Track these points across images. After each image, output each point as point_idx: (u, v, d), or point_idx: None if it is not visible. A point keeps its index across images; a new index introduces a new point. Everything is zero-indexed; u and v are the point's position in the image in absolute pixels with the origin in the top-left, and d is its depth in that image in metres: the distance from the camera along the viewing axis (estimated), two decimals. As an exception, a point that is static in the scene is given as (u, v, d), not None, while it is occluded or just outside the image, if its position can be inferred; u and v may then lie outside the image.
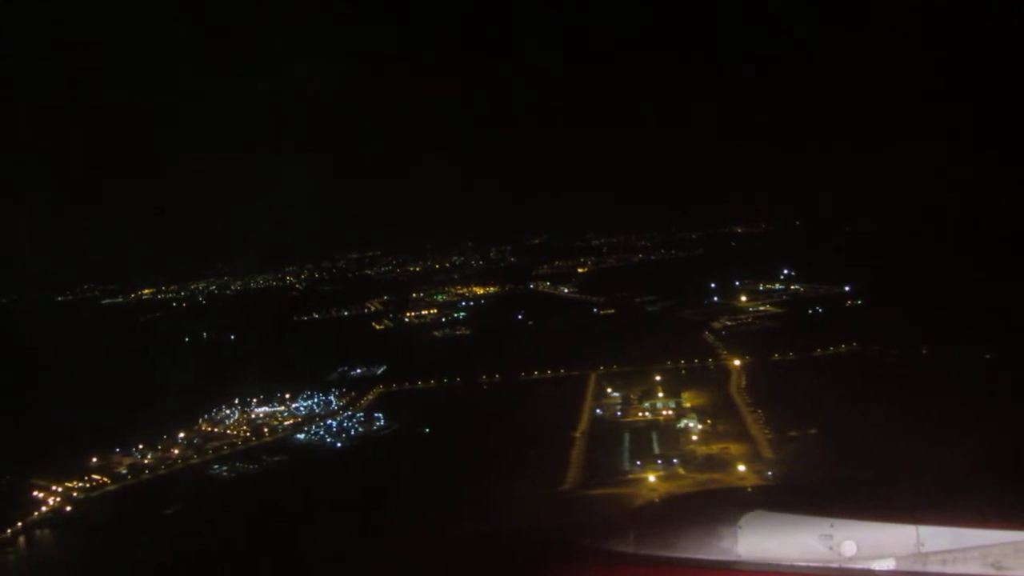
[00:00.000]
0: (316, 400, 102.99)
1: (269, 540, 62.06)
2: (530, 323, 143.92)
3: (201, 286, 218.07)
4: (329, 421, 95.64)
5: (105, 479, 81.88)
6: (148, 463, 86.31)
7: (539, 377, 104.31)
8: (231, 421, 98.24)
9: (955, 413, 63.32)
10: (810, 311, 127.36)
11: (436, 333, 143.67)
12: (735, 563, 9.10)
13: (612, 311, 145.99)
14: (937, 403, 67.22)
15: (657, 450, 74.65)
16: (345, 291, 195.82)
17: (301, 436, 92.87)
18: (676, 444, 75.50)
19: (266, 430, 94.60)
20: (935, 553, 8.69)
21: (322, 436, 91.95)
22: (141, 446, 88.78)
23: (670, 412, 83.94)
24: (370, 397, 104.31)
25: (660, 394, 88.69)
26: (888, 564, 8.83)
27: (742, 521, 9.30)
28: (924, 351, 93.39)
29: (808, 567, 8.98)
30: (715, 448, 73.21)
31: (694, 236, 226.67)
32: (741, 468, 66.87)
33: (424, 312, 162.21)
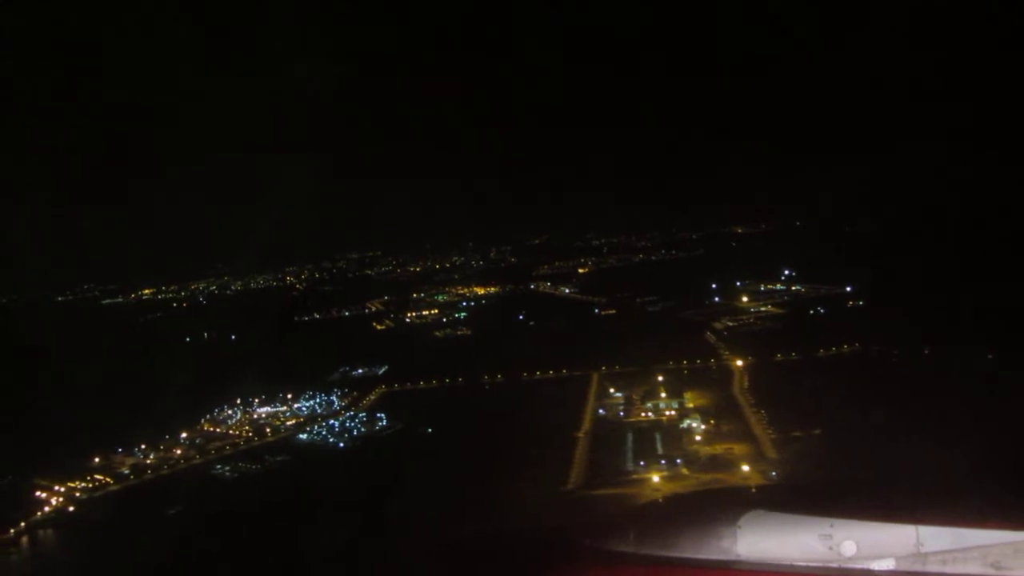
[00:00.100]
0: (318, 400, 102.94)
1: (273, 540, 61.97)
2: (531, 323, 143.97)
3: (201, 286, 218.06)
4: (331, 421, 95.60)
5: (108, 479, 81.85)
6: (150, 463, 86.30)
7: (541, 377, 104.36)
8: (233, 421, 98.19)
9: (957, 413, 63.34)
10: (811, 312, 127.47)
11: (437, 333, 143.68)
12: (735, 563, 9.10)
13: (613, 311, 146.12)
14: (939, 403, 67.24)
15: (661, 450, 74.65)
16: (345, 291, 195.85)
17: (303, 436, 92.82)
18: (679, 444, 75.48)
19: (268, 430, 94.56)
20: (935, 553, 8.68)
21: (325, 436, 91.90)
22: (143, 446, 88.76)
23: (673, 412, 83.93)
24: (372, 397, 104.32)
25: (663, 394, 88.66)
26: (888, 564, 8.83)
27: (742, 521, 9.30)
28: (926, 351, 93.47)
29: (808, 567, 8.98)
30: (719, 448, 73.19)
31: (694, 236, 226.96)
32: (745, 468, 66.83)
33: (425, 312, 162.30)
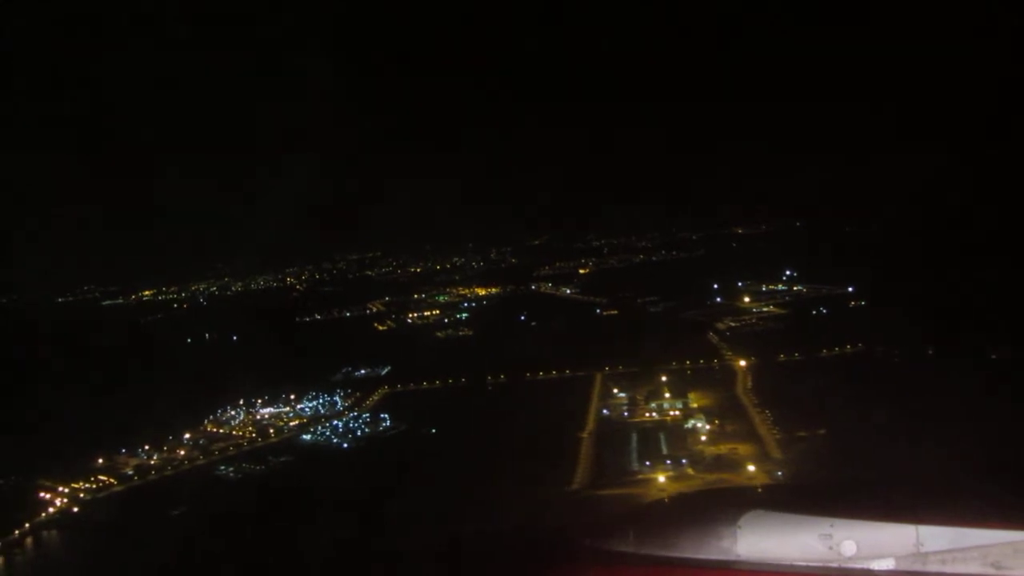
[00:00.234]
0: (321, 401, 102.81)
1: (277, 541, 61.91)
2: (533, 324, 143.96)
3: (202, 287, 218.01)
4: (335, 422, 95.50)
5: (111, 480, 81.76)
6: (154, 464, 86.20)
7: (544, 378, 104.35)
8: (236, 422, 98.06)
9: (961, 413, 63.51)
10: (814, 312, 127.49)
11: (439, 334, 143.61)
12: (735, 563, 9.11)
13: (615, 312, 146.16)
14: (943, 404, 67.34)
15: (665, 450, 74.61)
16: (346, 292, 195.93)
17: (307, 437, 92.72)
18: (684, 444, 75.47)
19: (272, 431, 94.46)
20: (935, 553, 8.70)
21: (328, 437, 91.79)
22: (147, 447, 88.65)
23: (677, 412, 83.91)
24: (375, 398, 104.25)
25: (666, 395, 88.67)
26: (888, 564, 8.84)
27: (742, 521, 9.31)
28: (929, 351, 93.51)
29: (808, 567, 9.00)
30: (724, 448, 73.17)
31: (695, 237, 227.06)
32: (751, 468, 66.84)
33: (426, 313, 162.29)
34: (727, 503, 11.37)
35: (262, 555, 60.48)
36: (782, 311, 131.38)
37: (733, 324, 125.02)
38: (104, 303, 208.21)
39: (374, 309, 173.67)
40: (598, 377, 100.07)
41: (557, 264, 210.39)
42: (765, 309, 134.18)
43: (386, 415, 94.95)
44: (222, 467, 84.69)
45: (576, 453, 75.56)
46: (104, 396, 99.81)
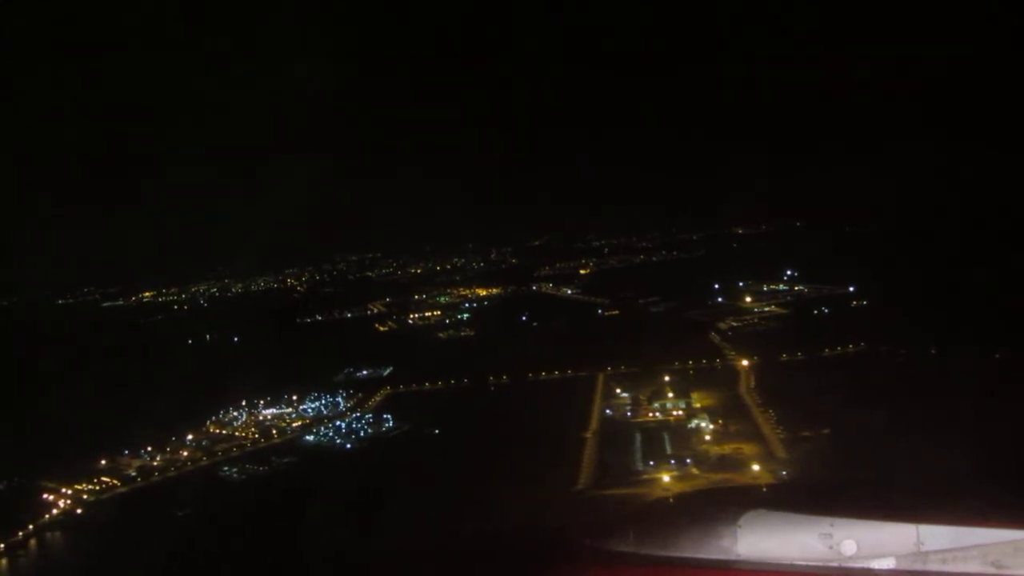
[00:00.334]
0: (324, 401, 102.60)
1: (281, 542, 61.75)
2: (535, 324, 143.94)
3: (202, 288, 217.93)
4: (338, 423, 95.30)
5: (115, 481, 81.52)
6: (157, 465, 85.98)
7: (546, 378, 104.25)
8: (239, 423, 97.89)
9: (965, 413, 63.51)
10: (815, 311, 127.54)
11: (441, 334, 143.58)
12: (735, 563, 9.10)
13: (616, 312, 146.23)
14: (947, 403, 67.37)
15: (670, 450, 74.43)
16: (347, 293, 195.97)
17: (310, 438, 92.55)
18: (688, 444, 75.32)
19: (274, 432, 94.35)
20: (935, 552, 8.70)
21: (332, 438, 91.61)
22: (150, 448, 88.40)
23: (680, 412, 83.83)
24: (378, 398, 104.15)
25: (670, 394, 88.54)
26: (888, 563, 8.83)
27: (742, 520, 9.29)
28: (932, 351, 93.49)
29: (808, 566, 9.00)
30: (728, 448, 73.03)
31: (695, 237, 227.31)
32: (755, 468, 66.64)
33: (427, 314, 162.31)
34: (727, 503, 11.35)
35: (267, 556, 60.26)
36: (783, 311, 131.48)
37: (735, 324, 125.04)
38: (104, 304, 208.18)
39: (375, 310, 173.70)
40: (600, 377, 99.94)
41: (558, 264, 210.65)
42: (766, 309, 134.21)
43: (389, 416, 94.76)
44: (225, 468, 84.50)
45: (580, 453, 75.36)
46: (106, 397, 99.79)
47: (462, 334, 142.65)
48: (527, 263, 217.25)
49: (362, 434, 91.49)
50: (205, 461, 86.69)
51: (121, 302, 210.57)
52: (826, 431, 71.61)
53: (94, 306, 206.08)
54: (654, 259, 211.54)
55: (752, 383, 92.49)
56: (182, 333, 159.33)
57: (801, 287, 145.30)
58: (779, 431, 74.65)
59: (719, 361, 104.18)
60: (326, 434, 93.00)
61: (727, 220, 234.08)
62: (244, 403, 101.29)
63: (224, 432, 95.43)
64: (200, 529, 66.73)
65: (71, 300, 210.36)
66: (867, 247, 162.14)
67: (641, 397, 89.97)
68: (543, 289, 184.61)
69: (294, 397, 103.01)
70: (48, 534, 72.71)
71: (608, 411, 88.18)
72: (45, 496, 77.95)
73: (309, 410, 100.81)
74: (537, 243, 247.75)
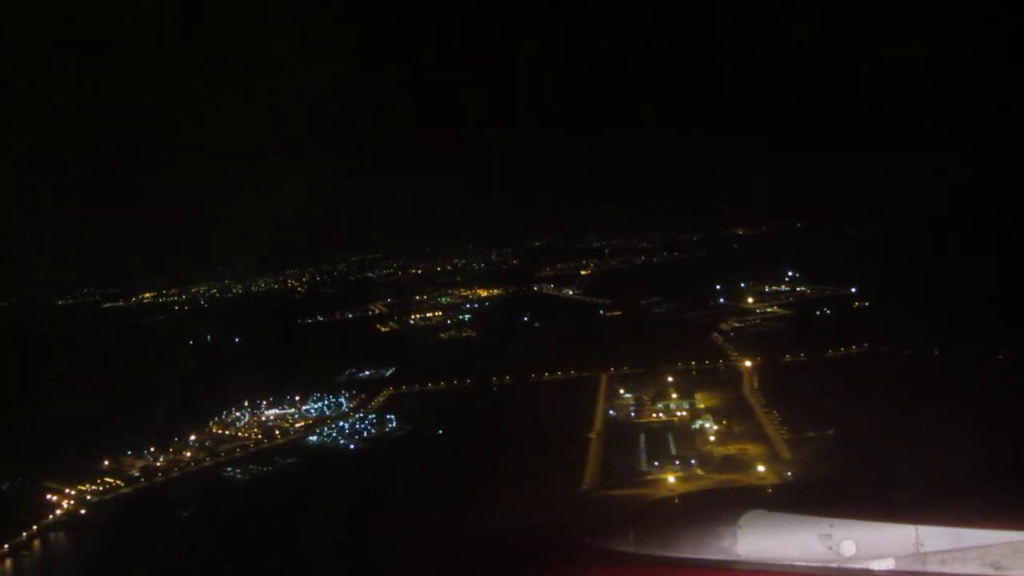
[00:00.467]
0: (326, 402, 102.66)
1: (285, 543, 61.71)
2: (537, 325, 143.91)
3: (202, 289, 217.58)
4: (341, 423, 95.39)
5: (118, 482, 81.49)
6: (160, 465, 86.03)
7: (549, 379, 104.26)
8: (242, 423, 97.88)
9: (969, 414, 63.50)
10: (818, 312, 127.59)
11: (442, 335, 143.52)
12: (735, 563, 9.07)
13: (618, 312, 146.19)
14: (951, 404, 67.34)
15: (674, 451, 74.56)
16: (347, 294, 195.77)
17: (313, 438, 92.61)
18: (692, 445, 75.40)
19: (277, 432, 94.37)
20: (934, 553, 8.67)
21: (335, 438, 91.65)
22: (153, 448, 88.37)
23: (684, 413, 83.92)
24: (380, 399, 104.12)
25: (673, 395, 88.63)
26: (887, 564, 8.81)
27: (742, 521, 9.27)
28: (935, 351, 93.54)
29: (807, 567, 8.98)
30: (732, 449, 73.12)
31: (695, 238, 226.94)
32: (760, 469, 66.70)
33: (429, 314, 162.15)
34: (727, 503, 11.34)
35: (270, 556, 60.21)
36: (786, 311, 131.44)
37: (737, 325, 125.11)
38: (105, 305, 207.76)
39: (376, 310, 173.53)
40: (603, 378, 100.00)
41: (559, 265, 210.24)
42: (768, 310, 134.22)
43: (392, 416, 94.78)
44: (229, 469, 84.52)
45: (584, 454, 75.42)
46: (108, 398, 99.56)
47: (464, 335, 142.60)
48: (528, 264, 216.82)
49: (365, 434, 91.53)
50: (208, 462, 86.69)
51: (121, 303, 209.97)
52: (830, 432, 71.63)
53: (95, 306, 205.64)
54: (655, 260, 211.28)
55: (755, 384, 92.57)
56: (183, 334, 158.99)
57: (803, 288, 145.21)
58: (783, 432, 74.73)
59: (722, 362, 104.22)
60: (329, 434, 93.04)
61: (727, 220, 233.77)
62: (247, 404, 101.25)
63: (227, 433, 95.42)
64: (203, 529, 66.67)
65: (71, 301, 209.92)
66: (868, 247, 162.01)
67: (644, 398, 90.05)
68: (544, 290, 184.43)
69: (297, 398, 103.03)
70: (52, 535, 72.73)
71: (612, 411, 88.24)
72: (48, 497, 77.87)
73: (312, 411, 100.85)
74: (538, 244, 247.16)
